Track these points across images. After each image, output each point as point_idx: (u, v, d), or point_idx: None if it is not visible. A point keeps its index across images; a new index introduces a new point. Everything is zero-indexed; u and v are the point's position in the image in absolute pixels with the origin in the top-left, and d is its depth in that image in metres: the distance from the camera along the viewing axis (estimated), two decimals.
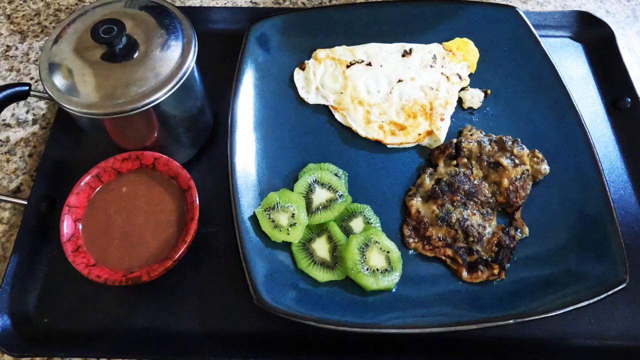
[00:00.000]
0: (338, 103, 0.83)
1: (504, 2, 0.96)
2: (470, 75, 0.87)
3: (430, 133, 0.79)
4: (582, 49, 0.93)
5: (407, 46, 0.88)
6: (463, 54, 0.87)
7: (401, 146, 0.79)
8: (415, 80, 0.84)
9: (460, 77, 0.85)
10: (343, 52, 0.87)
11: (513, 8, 0.90)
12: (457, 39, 0.89)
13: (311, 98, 0.84)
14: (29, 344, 0.64)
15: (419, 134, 0.79)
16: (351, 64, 0.85)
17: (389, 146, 0.79)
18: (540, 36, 0.87)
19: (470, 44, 0.88)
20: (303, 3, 1.02)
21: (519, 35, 0.87)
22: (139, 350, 0.65)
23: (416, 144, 0.80)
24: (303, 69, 0.86)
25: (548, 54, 0.84)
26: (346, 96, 0.82)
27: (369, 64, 0.85)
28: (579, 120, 0.77)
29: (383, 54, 0.87)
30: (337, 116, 0.82)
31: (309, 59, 0.88)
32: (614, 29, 0.91)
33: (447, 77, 0.84)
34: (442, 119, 0.80)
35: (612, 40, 0.90)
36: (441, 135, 0.79)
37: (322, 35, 0.89)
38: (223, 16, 0.95)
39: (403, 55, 0.87)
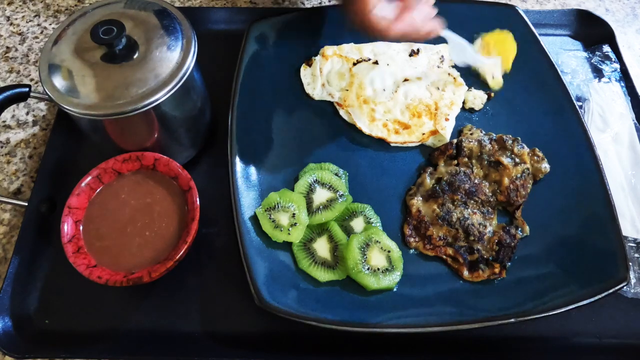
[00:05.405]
0: (343, 100, 0.82)
1: (504, 1, 0.96)
2: (503, 76, 0.83)
3: (434, 133, 0.79)
4: (581, 48, 0.92)
5: (414, 46, 0.87)
6: (499, 50, 0.82)
7: (405, 145, 0.79)
8: (421, 80, 0.83)
9: None
10: (350, 49, 0.87)
11: (512, 7, 0.90)
12: (498, 31, 0.83)
13: (317, 94, 0.84)
14: (30, 345, 0.64)
15: (423, 134, 0.79)
16: (358, 62, 0.85)
17: (392, 145, 0.79)
18: (540, 35, 0.86)
19: (510, 37, 0.82)
20: (302, 3, 1.02)
21: (518, 34, 0.87)
22: (140, 351, 0.65)
23: (420, 143, 0.80)
24: (310, 65, 0.86)
25: (548, 52, 0.84)
26: (352, 93, 0.82)
27: (376, 62, 0.85)
28: (579, 118, 0.77)
29: (390, 53, 0.86)
30: (342, 113, 0.82)
31: (309, 58, 0.87)
32: (613, 27, 0.91)
33: (454, 78, 0.84)
34: (447, 119, 0.80)
35: (611, 38, 0.90)
36: (446, 135, 0.79)
37: (321, 35, 0.89)
38: (223, 16, 0.95)
39: (410, 55, 0.86)
